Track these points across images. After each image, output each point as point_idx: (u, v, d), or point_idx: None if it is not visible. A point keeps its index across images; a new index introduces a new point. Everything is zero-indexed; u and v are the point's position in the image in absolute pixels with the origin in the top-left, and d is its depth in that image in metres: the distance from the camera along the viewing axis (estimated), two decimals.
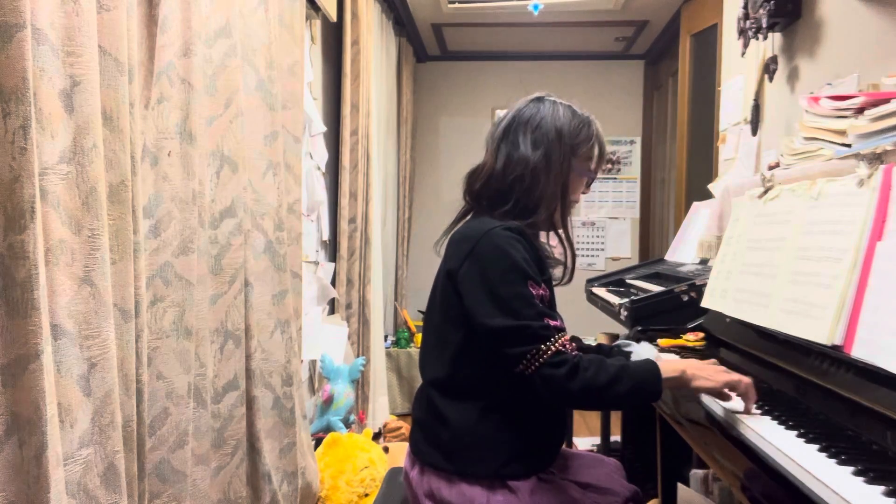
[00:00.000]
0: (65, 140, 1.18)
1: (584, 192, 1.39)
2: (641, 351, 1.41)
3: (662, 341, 1.66)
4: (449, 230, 1.38)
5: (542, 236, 1.39)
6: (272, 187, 2.10)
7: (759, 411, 1.11)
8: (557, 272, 1.38)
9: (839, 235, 1.17)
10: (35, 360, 1.05)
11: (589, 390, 1.14)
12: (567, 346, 1.18)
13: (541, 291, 1.23)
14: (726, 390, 1.13)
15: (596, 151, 1.36)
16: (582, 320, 3.35)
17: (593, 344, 1.59)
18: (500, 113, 1.42)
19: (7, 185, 1.03)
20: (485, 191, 1.34)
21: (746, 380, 1.11)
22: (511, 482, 1.24)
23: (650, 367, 1.17)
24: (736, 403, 1.14)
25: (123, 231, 1.32)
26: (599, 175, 1.41)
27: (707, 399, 1.22)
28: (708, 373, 1.15)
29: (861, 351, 1.02)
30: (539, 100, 1.36)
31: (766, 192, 1.55)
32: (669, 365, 1.18)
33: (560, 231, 1.37)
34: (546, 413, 1.31)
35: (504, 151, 1.33)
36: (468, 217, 1.39)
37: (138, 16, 1.48)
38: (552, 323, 1.18)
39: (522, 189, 1.30)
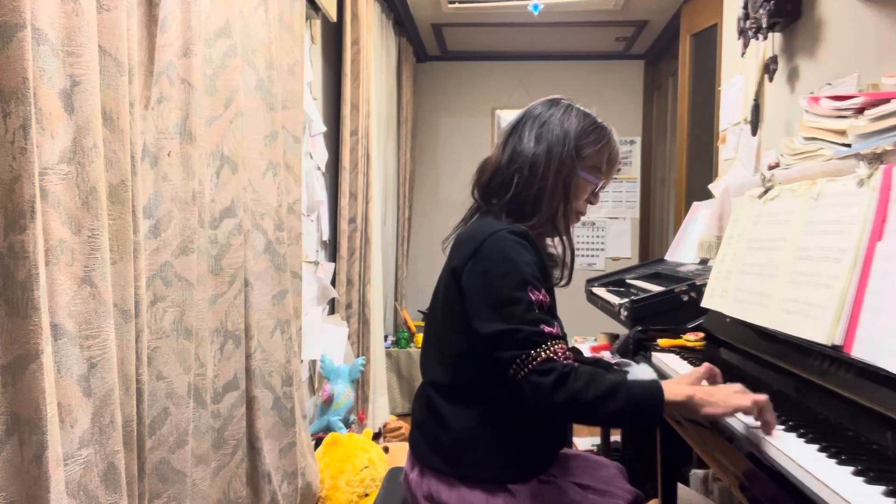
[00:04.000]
0: (65, 140, 1.18)
1: (591, 202, 1.36)
2: (638, 372, 1.39)
3: (662, 341, 1.66)
4: (457, 230, 1.38)
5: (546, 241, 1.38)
6: (272, 187, 2.10)
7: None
8: (556, 272, 1.38)
9: (839, 235, 1.17)
10: (35, 360, 1.05)
11: (574, 403, 1.09)
12: (559, 354, 1.13)
13: (540, 297, 1.19)
14: (739, 414, 1.05)
15: (605, 159, 1.33)
16: (582, 320, 3.35)
17: (590, 356, 1.58)
18: (507, 112, 1.42)
19: (7, 185, 1.03)
20: (491, 183, 1.35)
21: (761, 399, 1.01)
22: (511, 486, 1.24)
23: (653, 388, 1.10)
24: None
25: (123, 231, 1.32)
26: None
27: None
28: (719, 397, 1.06)
29: (861, 351, 1.02)
30: (555, 102, 1.36)
31: (766, 192, 1.55)
32: (676, 389, 1.10)
33: (564, 236, 1.36)
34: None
35: (510, 145, 1.34)
36: (475, 217, 1.39)
37: (138, 16, 1.48)
38: (547, 329, 1.15)
39: (522, 181, 1.30)
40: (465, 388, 1.27)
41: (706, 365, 1.19)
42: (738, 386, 1.07)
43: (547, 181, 1.29)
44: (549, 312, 1.22)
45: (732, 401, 1.04)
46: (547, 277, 1.29)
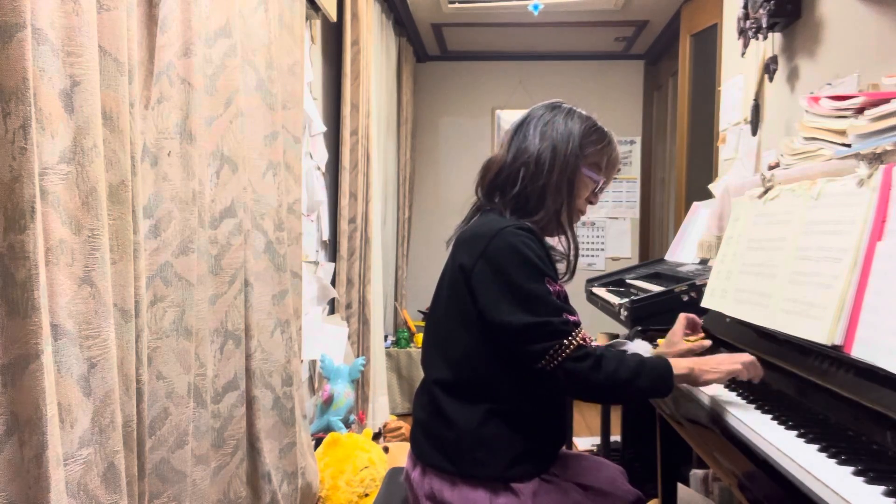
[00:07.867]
0: (65, 140, 1.18)
1: (591, 202, 1.40)
2: (636, 348, 1.41)
3: (662, 341, 1.66)
4: (460, 229, 1.40)
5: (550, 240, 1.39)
6: (272, 187, 2.10)
7: (759, 410, 1.11)
8: (560, 267, 1.39)
9: (839, 235, 1.17)
10: (35, 360, 1.05)
11: (611, 383, 1.17)
12: (587, 340, 1.21)
13: (557, 288, 1.25)
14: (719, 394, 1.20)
15: (605, 159, 1.38)
16: (582, 320, 3.34)
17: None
18: (507, 112, 1.45)
19: (7, 185, 1.03)
20: (495, 181, 1.38)
21: (748, 359, 1.20)
22: (514, 484, 1.24)
23: (664, 364, 1.21)
24: (727, 394, 1.20)
25: (123, 231, 1.32)
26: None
27: (701, 393, 1.24)
28: (712, 365, 1.21)
29: (861, 351, 1.02)
30: (556, 105, 1.40)
31: (766, 192, 1.55)
32: (678, 363, 1.22)
33: (568, 233, 1.38)
34: (549, 414, 1.31)
35: (515, 144, 1.37)
36: (477, 216, 1.40)
37: (138, 16, 1.48)
38: (571, 318, 1.21)
39: (528, 176, 1.33)
40: (470, 386, 1.27)
41: (682, 316, 1.45)
42: (724, 355, 1.26)
43: (552, 177, 1.32)
44: (565, 302, 1.28)
45: (724, 366, 1.21)
46: (556, 271, 1.32)
